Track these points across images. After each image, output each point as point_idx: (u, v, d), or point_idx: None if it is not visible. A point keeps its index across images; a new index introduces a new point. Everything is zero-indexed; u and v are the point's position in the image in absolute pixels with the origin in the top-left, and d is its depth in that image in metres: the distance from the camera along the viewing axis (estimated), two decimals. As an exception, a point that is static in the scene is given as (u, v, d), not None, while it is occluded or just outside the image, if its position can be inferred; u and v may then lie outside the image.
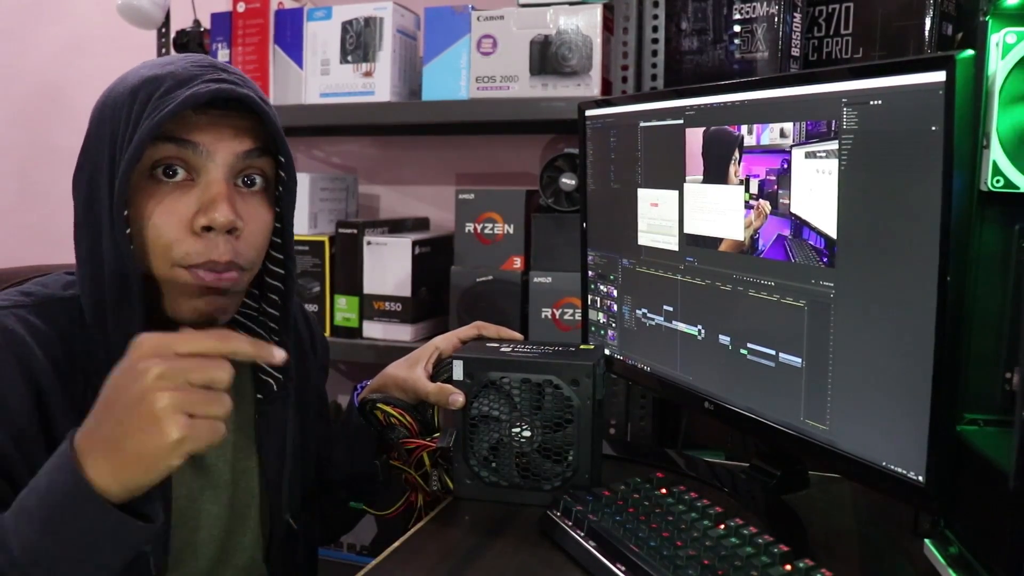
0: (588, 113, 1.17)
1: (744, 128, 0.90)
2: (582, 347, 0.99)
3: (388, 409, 0.98)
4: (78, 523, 0.59)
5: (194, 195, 0.73)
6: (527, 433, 0.92)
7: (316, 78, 1.54)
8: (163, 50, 1.73)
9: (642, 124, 1.06)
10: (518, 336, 1.04)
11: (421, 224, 1.77)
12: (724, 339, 0.95)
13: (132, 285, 0.71)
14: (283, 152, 0.78)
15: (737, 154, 0.91)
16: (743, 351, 0.92)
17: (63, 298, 0.77)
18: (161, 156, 0.72)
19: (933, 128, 0.68)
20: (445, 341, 1.03)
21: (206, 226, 0.72)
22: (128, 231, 0.71)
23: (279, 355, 0.64)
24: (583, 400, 0.90)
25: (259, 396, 0.86)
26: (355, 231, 1.54)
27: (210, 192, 0.73)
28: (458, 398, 0.92)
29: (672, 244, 1.03)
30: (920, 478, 0.71)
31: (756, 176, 0.89)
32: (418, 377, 0.98)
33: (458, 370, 0.94)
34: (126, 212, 0.71)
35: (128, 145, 0.70)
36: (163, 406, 0.58)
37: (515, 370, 0.92)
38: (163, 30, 1.72)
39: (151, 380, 0.58)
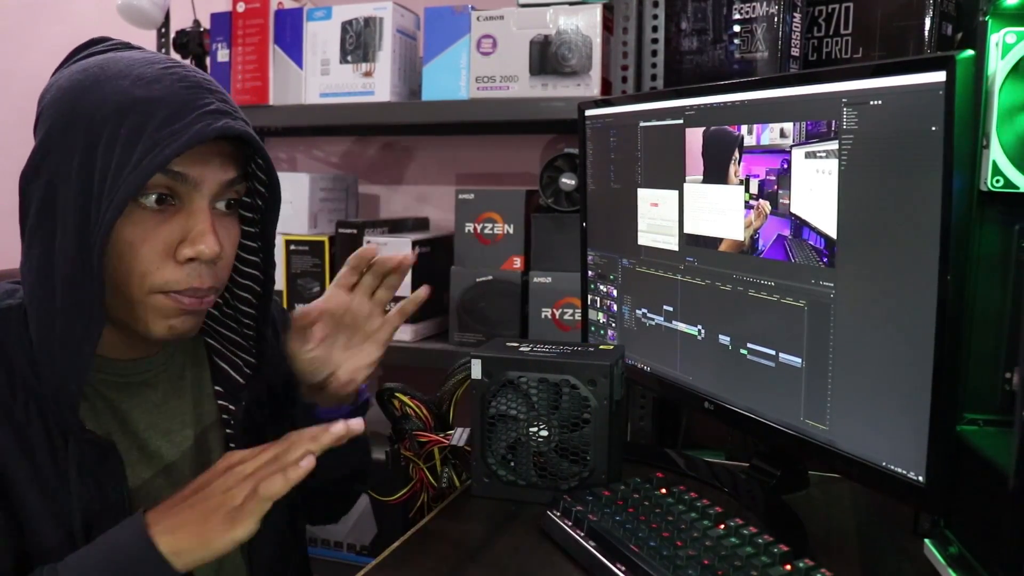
0: (588, 113, 1.17)
1: (744, 128, 0.90)
2: (601, 347, 0.99)
3: (405, 399, 0.99)
4: None
5: (177, 223, 0.72)
6: (544, 432, 0.92)
7: (316, 78, 1.54)
8: (163, 50, 1.73)
9: (642, 124, 1.06)
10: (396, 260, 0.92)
11: (421, 224, 1.77)
12: (724, 339, 0.95)
13: (95, 309, 0.69)
14: (268, 171, 0.77)
15: (737, 154, 0.91)
16: (743, 351, 0.92)
17: (5, 308, 0.74)
18: (148, 185, 0.70)
19: (933, 128, 0.68)
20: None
21: (191, 258, 0.72)
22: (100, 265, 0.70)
23: (356, 426, 0.72)
24: (600, 400, 0.90)
25: (216, 388, 0.85)
26: (355, 231, 1.54)
27: (195, 222, 0.72)
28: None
29: (672, 244, 1.02)
30: (920, 478, 0.71)
31: (756, 176, 0.89)
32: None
33: (476, 369, 0.94)
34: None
35: (115, 175, 0.67)
36: (226, 500, 0.68)
37: (533, 369, 0.92)
38: (163, 30, 1.72)
39: (226, 486, 0.68)
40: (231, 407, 0.84)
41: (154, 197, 0.71)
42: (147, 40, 1.72)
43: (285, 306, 1.55)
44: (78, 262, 0.68)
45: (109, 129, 0.68)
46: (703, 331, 0.99)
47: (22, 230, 0.73)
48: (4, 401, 0.71)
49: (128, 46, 0.78)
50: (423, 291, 0.81)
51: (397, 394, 1.00)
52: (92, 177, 0.68)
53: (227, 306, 0.86)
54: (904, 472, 0.73)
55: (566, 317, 1.37)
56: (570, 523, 0.82)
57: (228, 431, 0.84)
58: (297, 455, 0.69)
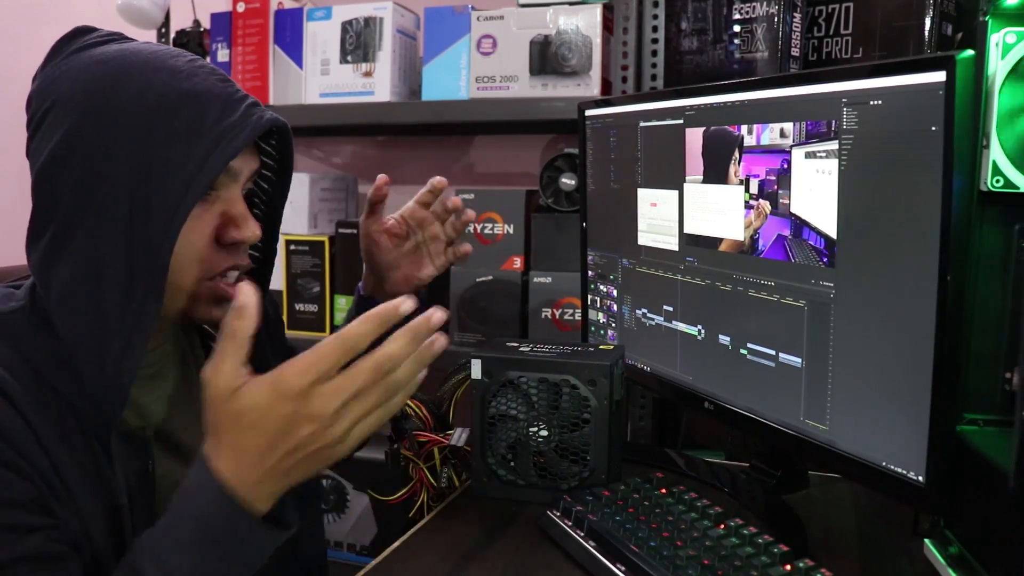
0: (588, 113, 1.17)
1: (744, 128, 0.90)
2: (601, 347, 0.99)
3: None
4: (243, 547, 0.64)
5: (215, 210, 0.74)
6: (544, 432, 0.92)
7: (316, 78, 1.54)
8: (163, 50, 1.73)
9: (642, 124, 1.06)
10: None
11: (421, 224, 1.76)
12: (724, 339, 0.95)
13: (152, 299, 0.70)
14: (285, 161, 0.82)
15: (737, 154, 0.91)
16: (743, 351, 0.92)
17: (8, 312, 0.73)
18: None
19: (933, 128, 0.68)
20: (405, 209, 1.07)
21: (237, 241, 0.75)
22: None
23: (438, 318, 0.67)
24: (600, 400, 0.90)
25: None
26: (355, 231, 1.54)
27: (235, 209, 0.75)
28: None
29: (672, 244, 1.02)
30: (920, 478, 0.71)
31: (756, 176, 0.89)
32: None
33: (476, 369, 0.94)
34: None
35: (177, 169, 0.69)
36: (336, 439, 0.64)
37: (533, 369, 0.92)
38: (163, 30, 1.72)
39: (324, 424, 0.63)
40: None
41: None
42: (147, 40, 1.72)
43: (285, 305, 1.55)
44: (136, 258, 0.69)
45: (160, 122, 0.69)
46: (703, 331, 0.99)
47: (39, 228, 0.72)
48: (39, 399, 0.70)
49: (123, 37, 0.79)
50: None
51: None
52: (147, 172, 0.69)
53: None
54: (904, 472, 0.73)
55: (566, 317, 1.37)
56: (570, 523, 0.82)
57: None
58: (404, 373, 0.66)
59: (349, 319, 1.02)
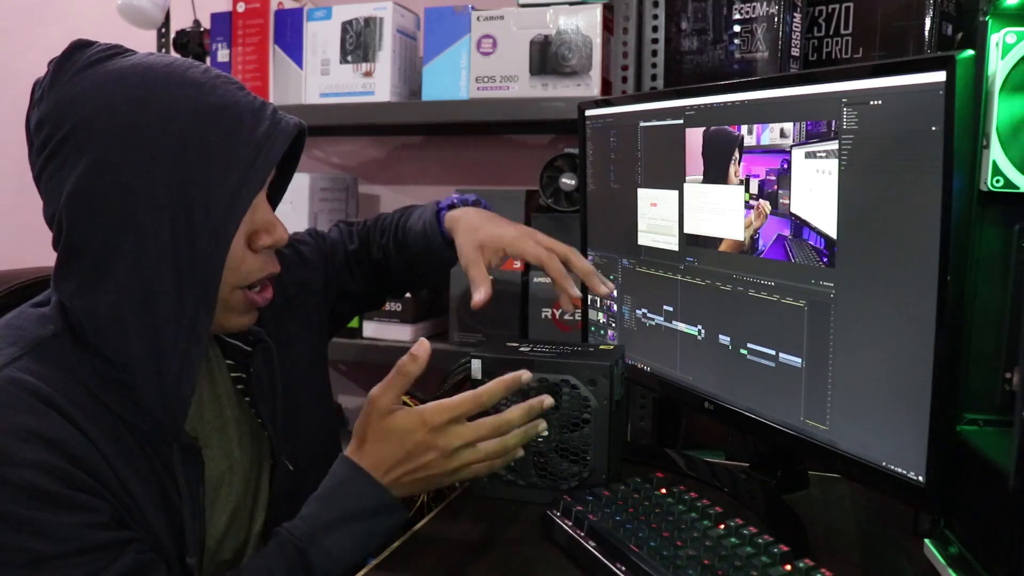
0: (588, 113, 1.17)
1: (744, 128, 0.90)
2: (602, 347, 0.99)
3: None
4: (382, 523, 0.78)
5: (246, 218, 0.75)
6: (545, 432, 0.92)
7: (316, 78, 1.54)
8: (163, 51, 1.73)
9: (642, 124, 1.06)
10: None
11: (421, 224, 1.76)
12: (724, 339, 0.95)
13: (204, 311, 0.72)
14: (295, 164, 0.87)
15: (737, 154, 0.91)
16: (743, 351, 0.92)
17: (50, 336, 0.73)
18: None
19: (933, 128, 0.68)
20: (522, 244, 1.00)
21: (269, 246, 0.78)
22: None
23: (549, 401, 0.87)
24: (600, 400, 0.90)
25: (228, 361, 0.88)
26: (355, 231, 1.54)
27: (264, 216, 0.79)
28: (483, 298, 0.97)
29: (672, 244, 1.02)
30: (920, 478, 0.71)
31: (756, 176, 0.89)
32: (476, 260, 0.99)
33: (476, 369, 0.94)
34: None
35: (220, 179, 0.70)
36: (454, 472, 0.79)
37: (533, 369, 0.92)
38: (163, 30, 1.72)
39: (448, 457, 0.78)
40: (243, 376, 0.87)
41: None
42: (147, 40, 1.73)
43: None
44: (185, 275, 0.70)
45: (195, 139, 0.70)
46: (703, 331, 0.99)
47: (71, 256, 0.71)
48: (98, 420, 0.71)
49: (123, 49, 0.77)
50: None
51: None
52: (187, 190, 0.69)
53: None
54: (904, 472, 0.73)
55: (566, 317, 1.37)
56: (570, 523, 0.82)
57: (246, 398, 0.87)
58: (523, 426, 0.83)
59: (410, 230, 1.06)
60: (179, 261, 0.70)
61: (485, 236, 0.99)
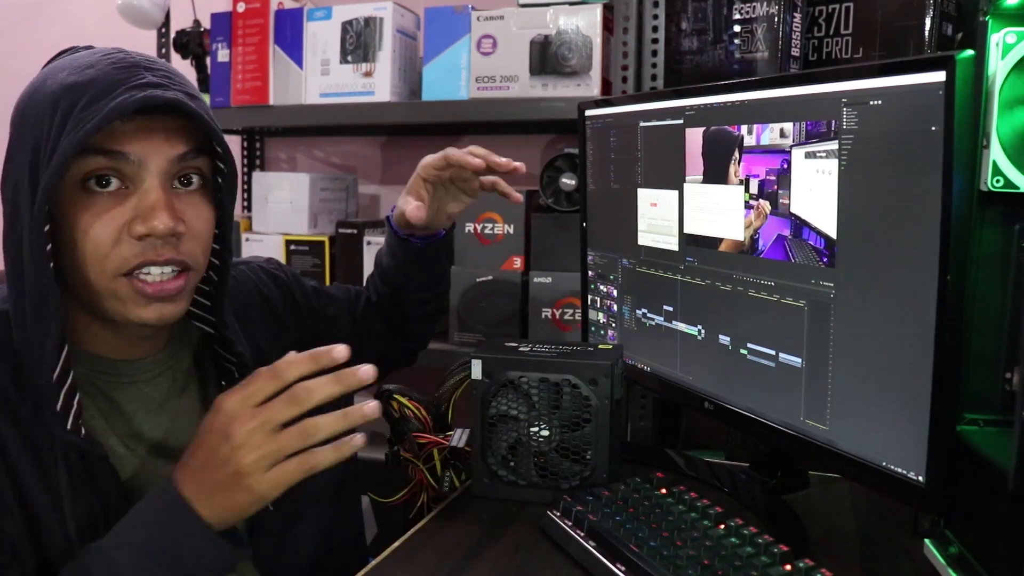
0: (588, 113, 1.17)
1: (744, 128, 0.90)
2: (600, 346, 0.99)
3: (404, 401, 1.00)
4: (196, 558, 0.67)
5: (130, 204, 0.71)
6: (545, 432, 0.92)
7: (316, 78, 1.54)
8: (163, 50, 1.73)
9: (642, 124, 1.06)
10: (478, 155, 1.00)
11: (421, 224, 1.76)
12: (724, 339, 0.95)
13: (50, 303, 0.69)
14: (219, 143, 0.74)
15: (737, 154, 0.91)
16: (743, 351, 0.92)
17: (2, 311, 0.74)
18: (91, 168, 0.69)
19: (933, 128, 0.68)
20: (423, 169, 1.03)
21: (145, 234, 0.70)
22: (49, 247, 0.69)
23: (366, 373, 0.69)
24: (601, 399, 0.90)
25: (222, 383, 0.84)
26: (355, 231, 1.54)
27: (147, 200, 0.70)
28: (418, 213, 0.98)
29: (672, 244, 1.03)
30: (920, 478, 0.71)
31: (756, 176, 0.89)
32: (405, 202, 1.02)
33: (476, 369, 0.94)
34: (47, 228, 0.69)
35: (50, 160, 0.67)
36: (249, 465, 0.65)
37: (533, 369, 0.92)
38: (163, 30, 1.72)
39: (236, 445, 0.65)
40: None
41: (94, 180, 0.70)
42: (147, 40, 1.73)
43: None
44: (35, 259, 0.68)
45: (47, 120, 0.68)
46: (703, 331, 0.99)
47: (3, 235, 0.74)
48: (11, 401, 0.71)
49: (90, 48, 0.77)
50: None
51: (396, 396, 1.00)
52: (38, 172, 0.68)
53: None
54: (904, 472, 0.73)
55: (566, 317, 1.37)
56: (570, 523, 0.82)
57: None
58: (328, 428, 0.67)
59: (381, 256, 1.08)
60: (36, 248, 0.68)
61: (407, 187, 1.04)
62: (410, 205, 0.99)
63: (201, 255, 0.76)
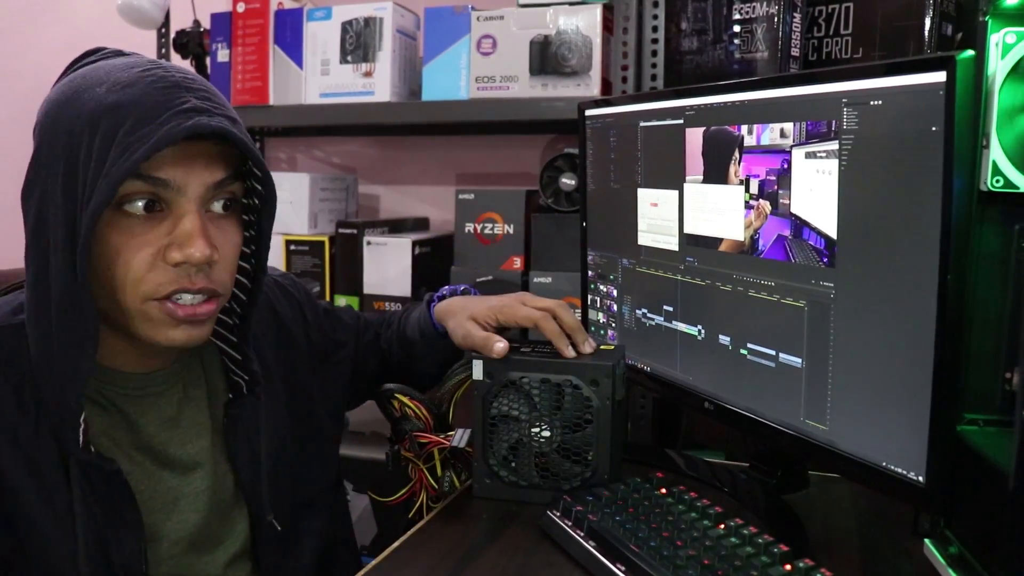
0: (588, 113, 1.17)
1: (744, 128, 0.90)
2: (602, 347, 0.99)
3: (405, 400, 1.00)
4: None
5: (164, 228, 0.70)
6: (546, 433, 0.92)
7: (316, 78, 1.54)
8: (163, 50, 1.73)
9: (642, 124, 1.06)
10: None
11: (421, 224, 1.77)
12: (724, 339, 0.95)
13: (87, 323, 0.69)
14: (259, 166, 0.74)
15: (737, 154, 0.91)
16: (743, 351, 0.92)
17: (12, 325, 0.74)
18: (129, 192, 0.69)
19: (933, 128, 0.68)
20: (513, 309, 0.97)
21: (180, 261, 0.70)
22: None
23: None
24: (603, 400, 0.90)
25: (230, 395, 0.84)
26: (355, 231, 1.54)
27: (183, 227, 0.70)
28: (500, 345, 0.93)
29: (672, 244, 1.03)
30: (920, 478, 0.71)
31: (756, 176, 0.89)
32: (470, 329, 0.96)
33: (478, 370, 0.94)
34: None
35: (92, 183, 0.66)
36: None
37: (535, 370, 0.92)
38: (163, 30, 1.72)
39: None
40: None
41: (141, 203, 0.69)
42: (147, 40, 1.73)
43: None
44: (69, 277, 0.68)
45: (86, 140, 0.67)
46: (703, 331, 0.99)
47: (26, 248, 0.73)
48: (12, 420, 0.71)
49: (120, 53, 0.77)
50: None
51: (397, 395, 1.00)
52: (75, 191, 0.68)
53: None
54: (904, 472, 0.73)
55: (566, 317, 1.37)
56: (570, 523, 0.82)
57: (229, 435, 0.83)
58: None
59: (407, 325, 1.07)
60: (69, 266, 0.68)
61: (475, 310, 0.98)
62: (499, 344, 0.92)
63: (229, 280, 0.77)
